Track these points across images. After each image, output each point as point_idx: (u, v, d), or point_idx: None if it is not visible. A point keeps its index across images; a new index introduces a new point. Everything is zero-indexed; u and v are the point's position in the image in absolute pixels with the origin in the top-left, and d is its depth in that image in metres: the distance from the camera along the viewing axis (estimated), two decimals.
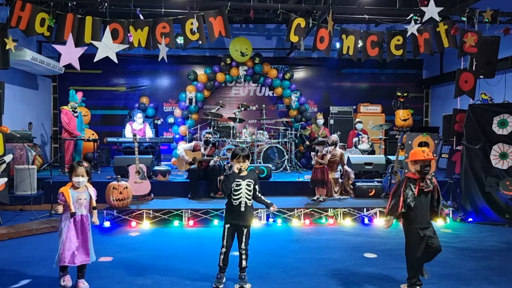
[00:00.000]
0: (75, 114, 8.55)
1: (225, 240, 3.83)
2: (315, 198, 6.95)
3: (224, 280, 3.87)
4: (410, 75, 11.98)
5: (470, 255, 4.90)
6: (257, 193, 3.89)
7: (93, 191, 3.80)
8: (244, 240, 3.84)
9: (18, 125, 8.67)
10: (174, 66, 11.29)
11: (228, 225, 3.84)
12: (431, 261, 3.74)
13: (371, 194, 7.20)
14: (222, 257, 3.85)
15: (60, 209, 3.63)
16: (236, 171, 3.80)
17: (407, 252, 3.78)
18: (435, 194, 3.72)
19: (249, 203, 3.85)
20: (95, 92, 10.99)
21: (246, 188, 3.81)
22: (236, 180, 3.80)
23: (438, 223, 6.41)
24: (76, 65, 6.00)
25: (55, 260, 3.66)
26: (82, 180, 3.69)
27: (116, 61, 6.26)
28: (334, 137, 7.54)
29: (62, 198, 3.63)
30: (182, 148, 7.71)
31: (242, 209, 3.80)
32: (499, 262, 4.65)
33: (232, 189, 3.79)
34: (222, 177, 3.85)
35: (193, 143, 7.79)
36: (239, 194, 3.80)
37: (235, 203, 3.80)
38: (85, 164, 3.78)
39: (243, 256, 3.86)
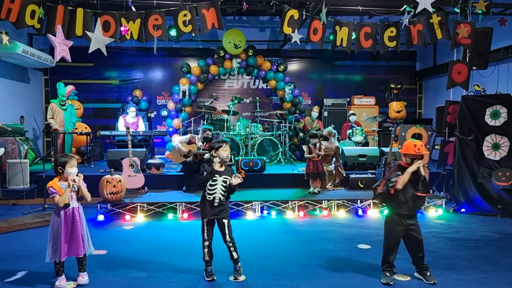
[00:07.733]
0: (63, 108, 8.46)
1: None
2: (309, 190, 6.97)
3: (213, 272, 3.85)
4: (404, 67, 11.97)
5: (462, 245, 4.94)
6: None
7: (82, 182, 3.68)
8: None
9: (9, 119, 8.57)
10: (167, 59, 11.21)
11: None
12: (422, 251, 3.79)
13: (362, 186, 7.21)
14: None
15: (62, 200, 3.53)
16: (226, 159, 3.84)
17: (384, 237, 3.87)
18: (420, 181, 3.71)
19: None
20: (87, 85, 10.88)
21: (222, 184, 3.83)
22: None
23: (431, 213, 6.48)
24: (68, 57, 5.93)
25: (46, 255, 3.59)
26: (76, 171, 3.64)
27: (105, 53, 6.19)
28: (326, 131, 7.51)
29: (54, 190, 3.55)
30: (178, 140, 7.68)
31: None
32: (491, 251, 4.71)
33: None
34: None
35: (189, 135, 7.76)
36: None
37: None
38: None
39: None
